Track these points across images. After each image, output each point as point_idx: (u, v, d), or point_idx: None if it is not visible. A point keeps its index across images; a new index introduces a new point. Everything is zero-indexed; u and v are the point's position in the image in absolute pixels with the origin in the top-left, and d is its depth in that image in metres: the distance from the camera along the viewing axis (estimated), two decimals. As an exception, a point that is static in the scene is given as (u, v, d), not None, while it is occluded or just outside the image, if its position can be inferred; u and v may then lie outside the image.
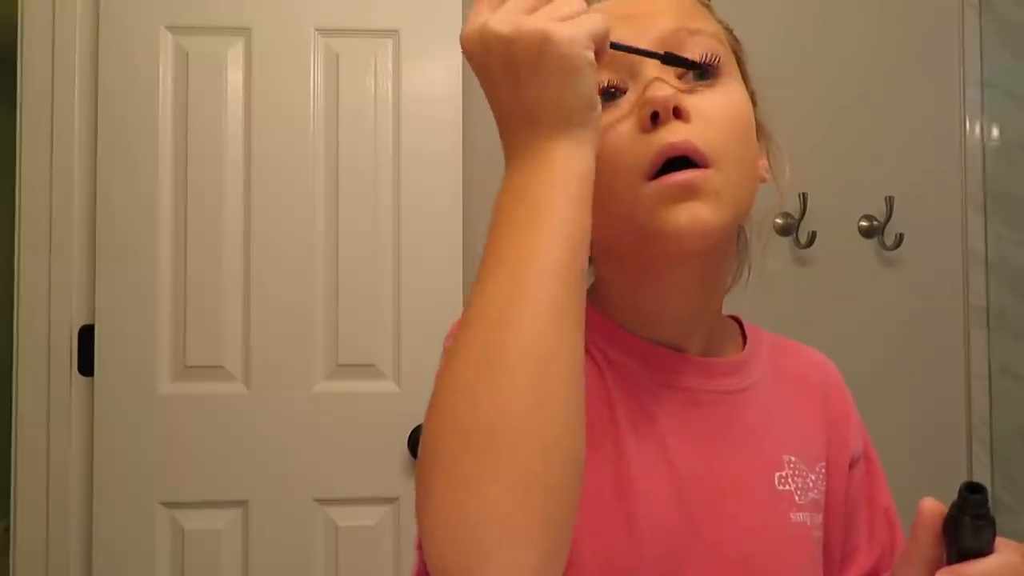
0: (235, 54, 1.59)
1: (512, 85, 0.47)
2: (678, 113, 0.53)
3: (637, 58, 0.55)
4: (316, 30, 1.60)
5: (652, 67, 0.55)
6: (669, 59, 0.55)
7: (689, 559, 0.56)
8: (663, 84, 0.53)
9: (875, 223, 1.77)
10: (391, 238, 1.59)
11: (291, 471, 1.54)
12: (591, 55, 0.47)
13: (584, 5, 0.48)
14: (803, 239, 1.73)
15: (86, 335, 1.56)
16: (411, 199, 1.60)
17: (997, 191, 1.81)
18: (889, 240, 1.75)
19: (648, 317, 0.61)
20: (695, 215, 0.52)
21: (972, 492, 0.49)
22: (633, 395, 0.59)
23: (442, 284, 1.58)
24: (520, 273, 0.45)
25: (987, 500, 0.49)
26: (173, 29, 1.57)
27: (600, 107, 0.49)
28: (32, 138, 1.58)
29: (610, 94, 0.56)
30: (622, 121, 0.55)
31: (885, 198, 1.74)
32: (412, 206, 1.60)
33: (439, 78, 1.62)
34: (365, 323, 1.58)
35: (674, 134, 0.52)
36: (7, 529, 1.61)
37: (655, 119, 0.53)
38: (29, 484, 1.55)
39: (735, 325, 0.68)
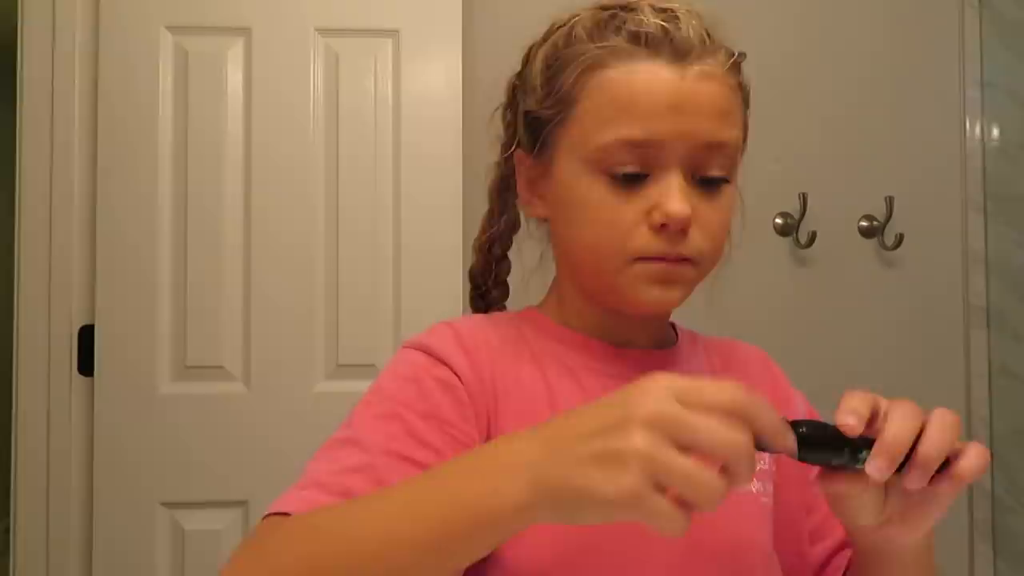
0: (235, 54, 1.58)
1: (574, 463, 0.43)
2: (684, 230, 0.60)
3: (666, 148, 0.59)
4: (316, 30, 1.60)
5: (675, 169, 0.60)
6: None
7: (640, 538, 0.59)
8: (684, 204, 0.59)
9: (875, 223, 1.77)
10: (391, 238, 1.59)
11: (291, 471, 1.52)
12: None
13: (746, 453, 0.42)
14: (803, 239, 1.72)
15: (86, 335, 1.56)
16: (411, 199, 1.60)
17: (997, 191, 1.81)
18: (889, 240, 1.75)
19: (601, 326, 0.68)
20: (665, 299, 0.62)
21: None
22: (579, 388, 0.65)
23: (442, 284, 1.58)
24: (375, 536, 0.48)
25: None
26: (173, 29, 1.57)
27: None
28: (32, 138, 1.58)
29: (633, 177, 0.61)
30: (633, 205, 0.60)
31: (885, 198, 1.74)
32: (412, 206, 1.60)
33: (439, 78, 1.62)
34: (365, 323, 1.58)
35: (674, 245, 0.60)
36: (7, 529, 1.61)
37: (664, 225, 0.60)
38: (29, 484, 1.55)
39: (670, 326, 0.74)
